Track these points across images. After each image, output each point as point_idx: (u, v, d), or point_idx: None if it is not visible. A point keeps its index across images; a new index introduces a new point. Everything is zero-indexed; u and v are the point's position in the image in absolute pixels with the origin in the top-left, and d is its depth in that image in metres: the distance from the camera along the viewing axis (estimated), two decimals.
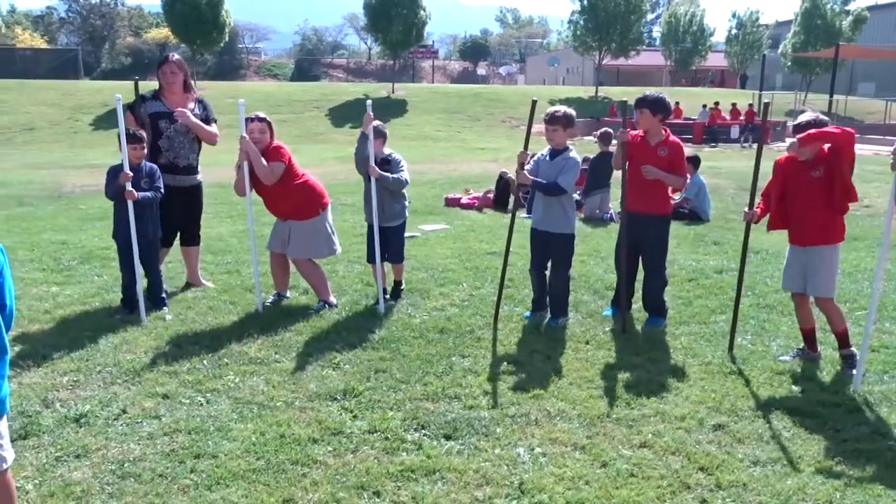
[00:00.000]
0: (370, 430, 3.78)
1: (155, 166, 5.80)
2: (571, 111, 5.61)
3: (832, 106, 33.84)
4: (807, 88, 43.76)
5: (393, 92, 40.12)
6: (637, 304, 5.86)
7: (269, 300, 6.03)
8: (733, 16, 54.34)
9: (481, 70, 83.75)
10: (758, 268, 7.36)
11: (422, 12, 41.39)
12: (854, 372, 4.48)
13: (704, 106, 34.41)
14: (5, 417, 2.42)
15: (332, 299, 5.98)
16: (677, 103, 36.16)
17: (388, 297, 6.07)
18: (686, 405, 4.15)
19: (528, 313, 5.77)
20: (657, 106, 5.41)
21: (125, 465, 3.38)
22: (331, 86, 50.40)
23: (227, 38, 40.83)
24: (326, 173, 16.46)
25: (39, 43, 62.92)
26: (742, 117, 32.30)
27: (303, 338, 5.20)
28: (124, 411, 3.95)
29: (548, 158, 5.55)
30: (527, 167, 5.52)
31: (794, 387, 4.44)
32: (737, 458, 3.54)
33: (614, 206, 10.10)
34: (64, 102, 32.75)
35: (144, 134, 5.77)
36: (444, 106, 38.06)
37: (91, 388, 4.27)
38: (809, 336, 4.92)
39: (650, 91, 5.66)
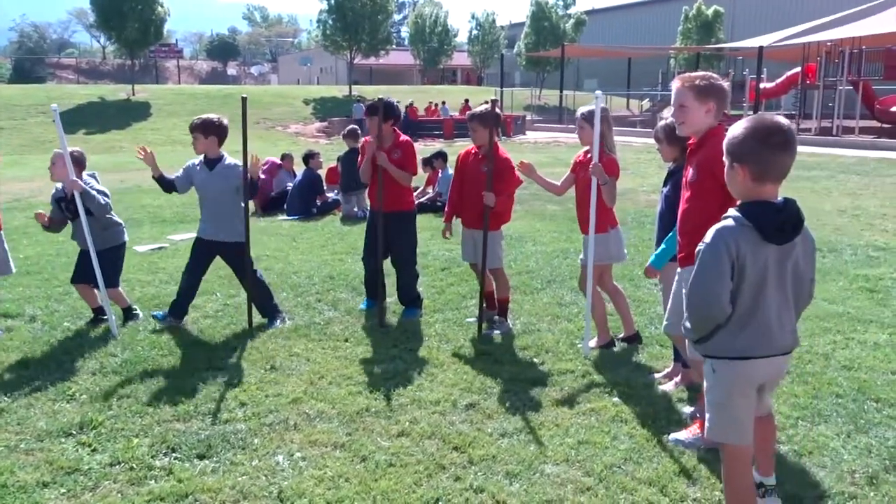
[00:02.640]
0: (112, 463, 3.46)
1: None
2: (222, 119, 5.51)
3: (563, 100, 37.36)
4: (541, 85, 47.88)
5: (133, 94, 37.27)
6: (393, 297, 6.01)
7: None
8: (472, 17, 57.89)
9: (231, 70, 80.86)
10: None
11: (160, 8, 38.89)
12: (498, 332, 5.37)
13: (443, 103, 36.26)
14: None
15: None
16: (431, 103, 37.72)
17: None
18: (440, 389, 4.33)
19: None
20: (388, 111, 5.61)
21: None
22: (59, 88, 45.59)
23: None
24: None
25: None
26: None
27: (29, 371, 4.64)
28: None
29: (204, 166, 5.48)
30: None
31: (535, 359, 4.83)
32: (486, 433, 3.76)
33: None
34: None
35: None
36: (193, 108, 36.05)
37: None
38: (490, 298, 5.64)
39: (384, 96, 5.81)
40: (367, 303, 6.01)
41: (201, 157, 5.51)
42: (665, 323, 3.72)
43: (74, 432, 3.79)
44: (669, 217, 3.92)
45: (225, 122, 5.47)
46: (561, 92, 38.15)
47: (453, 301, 6.18)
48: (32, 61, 71.41)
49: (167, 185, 5.53)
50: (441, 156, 11.75)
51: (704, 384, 2.81)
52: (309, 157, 11.59)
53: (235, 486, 3.26)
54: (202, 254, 5.58)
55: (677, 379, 4.35)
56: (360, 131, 10.40)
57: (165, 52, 52.84)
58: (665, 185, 4.21)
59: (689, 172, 3.46)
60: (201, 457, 3.53)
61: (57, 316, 5.80)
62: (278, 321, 5.60)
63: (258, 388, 4.34)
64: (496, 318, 5.56)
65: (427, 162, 11.64)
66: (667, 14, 51.67)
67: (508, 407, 4.08)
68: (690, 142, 3.53)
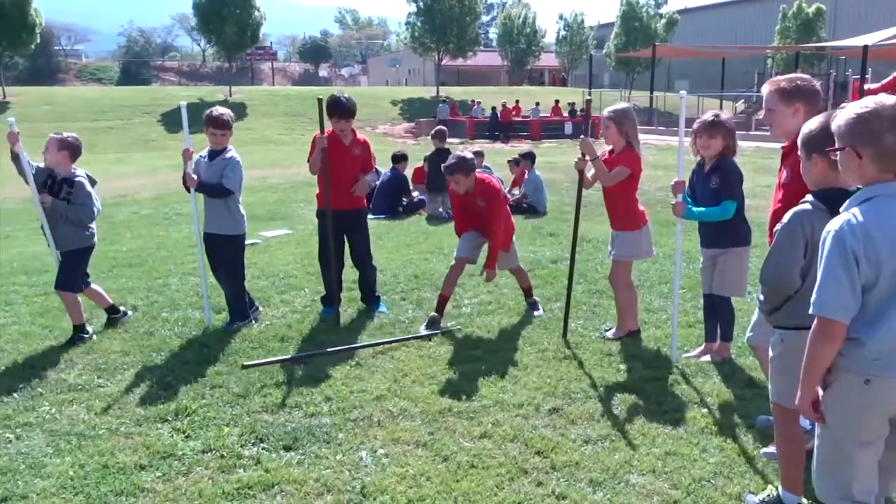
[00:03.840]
0: (204, 450, 3.59)
1: None
2: (230, 112, 5.55)
3: (653, 102, 36.48)
4: (630, 86, 46.92)
5: (230, 95, 38.76)
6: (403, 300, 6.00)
7: None
8: (560, 18, 57.26)
9: (323, 72, 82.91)
10: (589, 255, 7.77)
11: (256, 12, 40.32)
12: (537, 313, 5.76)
13: (537, 104, 35.99)
14: None
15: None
16: (517, 101, 37.58)
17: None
18: (524, 392, 4.29)
19: None
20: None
21: None
22: (162, 90, 47.88)
23: (38, 40, 37.49)
24: (159, 182, 15.64)
25: None
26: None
27: (130, 358, 4.88)
28: None
29: (207, 160, 5.47)
30: (190, 167, 5.31)
31: (621, 366, 4.71)
32: (570, 438, 3.70)
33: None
34: None
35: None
36: (286, 109, 37.30)
37: None
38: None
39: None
40: (328, 310, 5.90)
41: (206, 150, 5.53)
42: (749, 335, 3.68)
43: (170, 418, 3.95)
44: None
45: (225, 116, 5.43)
46: (651, 93, 37.20)
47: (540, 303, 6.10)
48: (138, 64, 75.31)
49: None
50: (529, 156, 11.67)
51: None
52: (398, 159, 11.74)
53: (320, 479, 3.32)
54: (208, 248, 5.55)
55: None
56: (447, 132, 10.42)
57: (261, 55, 54.77)
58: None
59: (784, 174, 3.40)
60: (287, 448, 3.61)
61: (156, 306, 6.07)
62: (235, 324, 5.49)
63: (343, 384, 4.41)
64: (532, 301, 5.97)
65: (515, 162, 11.58)
66: (764, 12, 49.66)
67: (593, 413, 4.00)
68: (784, 145, 3.47)
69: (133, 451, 3.57)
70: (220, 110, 5.43)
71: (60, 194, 5.09)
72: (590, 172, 5.15)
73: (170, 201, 12.57)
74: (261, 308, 5.81)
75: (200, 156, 5.45)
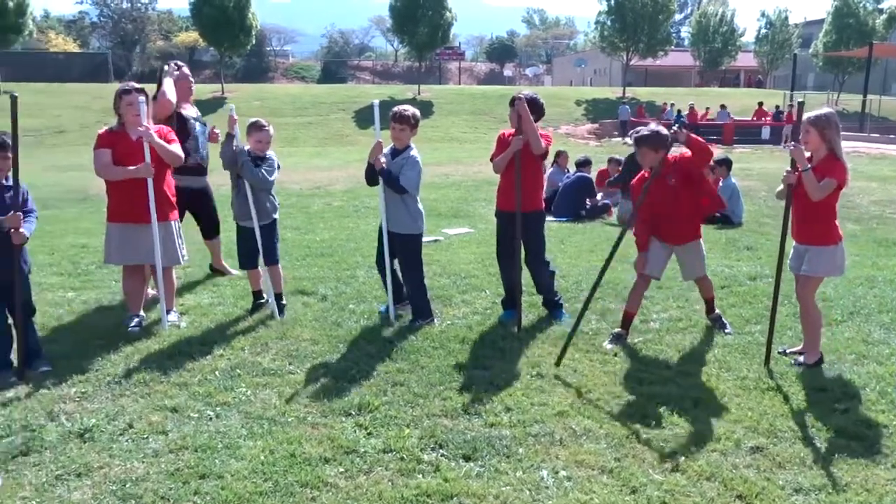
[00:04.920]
0: (385, 450, 3.58)
1: (25, 185, 4.53)
2: (417, 112, 5.61)
3: (865, 106, 33.08)
4: (839, 88, 42.88)
5: (419, 94, 40.06)
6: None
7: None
8: (762, 15, 53.46)
9: (508, 71, 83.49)
10: (788, 273, 7.04)
11: (448, 13, 41.36)
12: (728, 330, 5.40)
13: (723, 107, 33.86)
14: None
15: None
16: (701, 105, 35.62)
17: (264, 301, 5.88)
18: (721, 425, 3.90)
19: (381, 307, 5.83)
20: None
21: (127, 486, 3.22)
22: (357, 88, 50.50)
23: (254, 41, 41.13)
24: (351, 175, 16.38)
25: (72, 47, 63.99)
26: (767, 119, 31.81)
27: (319, 347, 5.03)
28: (130, 426, 3.80)
29: (390, 157, 5.48)
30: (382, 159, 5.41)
31: (837, 405, 4.16)
32: (777, 484, 3.29)
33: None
34: (93, 105, 33.17)
35: (9, 140, 4.39)
36: (471, 107, 37.92)
37: (98, 400, 4.13)
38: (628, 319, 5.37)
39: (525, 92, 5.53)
40: (508, 314, 5.72)
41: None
42: None
43: (353, 413, 4.00)
44: None
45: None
46: (864, 96, 33.73)
47: (735, 324, 5.60)
48: (337, 64, 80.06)
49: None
50: (724, 162, 10.90)
51: None
52: (583, 164, 11.46)
53: (499, 496, 3.18)
54: (389, 245, 5.63)
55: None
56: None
57: (449, 55, 56.08)
58: None
59: None
60: (467, 458, 3.52)
61: (344, 297, 6.26)
62: (418, 322, 5.52)
63: (524, 395, 4.26)
64: (716, 316, 5.59)
65: (710, 169, 10.86)
66: None
67: (804, 457, 3.55)
68: None
69: (318, 443, 3.63)
70: (404, 107, 5.60)
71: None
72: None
73: (360, 195, 13.09)
74: (435, 320, 5.74)
75: (384, 153, 5.57)
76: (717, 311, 5.63)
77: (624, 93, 42.07)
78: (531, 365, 4.75)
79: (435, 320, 5.61)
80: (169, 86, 6.14)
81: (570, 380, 4.51)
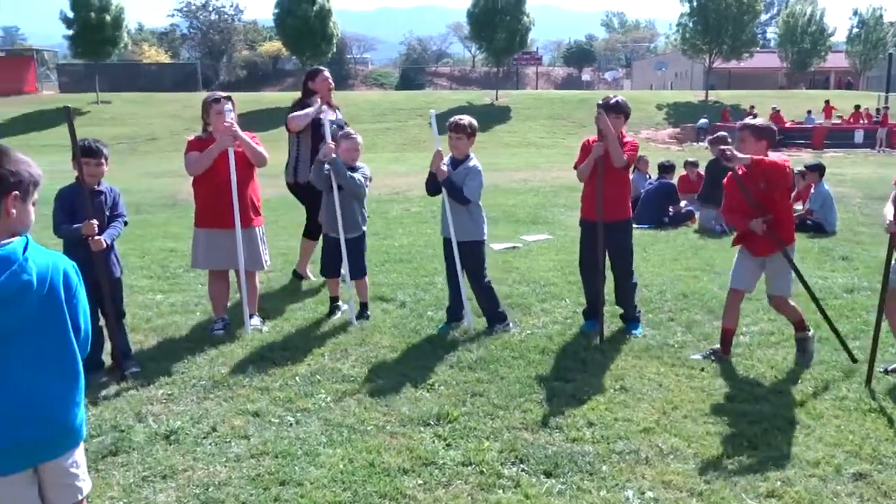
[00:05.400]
0: (464, 462, 3.52)
1: (117, 190, 4.73)
2: (474, 121, 5.51)
3: None
4: None
5: (497, 99, 40.01)
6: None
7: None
8: (854, 13, 51.03)
9: (586, 76, 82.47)
10: None
11: (525, 19, 41.19)
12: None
13: (809, 112, 32.44)
14: (82, 445, 2.31)
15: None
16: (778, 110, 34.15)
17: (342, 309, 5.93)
18: (819, 448, 3.67)
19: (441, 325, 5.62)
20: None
21: (209, 490, 3.27)
22: (434, 94, 50.86)
23: (335, 49, 42.05)
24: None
25: (163, 58, 66.92)
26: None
27: (397, 355, 5.02)
28: (214, 429, 3.87)
29: (450, 167, 5.39)
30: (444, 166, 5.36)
31: None
32: None
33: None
34: (183, 114, 34.51)
35: (104, 148, 4.54)
36: (549, 112, 37.60)
37: (184, 402, 4.23)
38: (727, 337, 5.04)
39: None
40: (590, 324, 5.52)
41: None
42: None
43: (432, 423, 3.95)
44: None
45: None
46: None
47: (831, 340, 5.27)
48: (415, 70, 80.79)
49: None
50: (817, 168, 10.38)
51: None
52: (666, 169, 11.14)
53: None
54: (453, 252, 5.61)
55: None
56: (728, 137, 9.59)
57: (526, 60, 55.88)
58: None
59: None
60: (548, 474, 3.42)
61: (422, 304, 6.24)
62: (497, 327, 5.46)
63: (607, 409, 4.12)
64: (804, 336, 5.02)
65: (800, 174, 10.39)
66: None
67: None
68: None
69: (397, 453, 3.60)
70: (460, 116, 5.58)
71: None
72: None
73: (436, 201, 13.09)
74: (511, 325, 5.65)
75: (444, 163, 5.53)
76: (811, 331, 5.06)
77: (706, 96, 40.86)
78: (615, 378, 4.60)
79: (511, 325, 5.53)
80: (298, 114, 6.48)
81: (655, 395, 4.34)
